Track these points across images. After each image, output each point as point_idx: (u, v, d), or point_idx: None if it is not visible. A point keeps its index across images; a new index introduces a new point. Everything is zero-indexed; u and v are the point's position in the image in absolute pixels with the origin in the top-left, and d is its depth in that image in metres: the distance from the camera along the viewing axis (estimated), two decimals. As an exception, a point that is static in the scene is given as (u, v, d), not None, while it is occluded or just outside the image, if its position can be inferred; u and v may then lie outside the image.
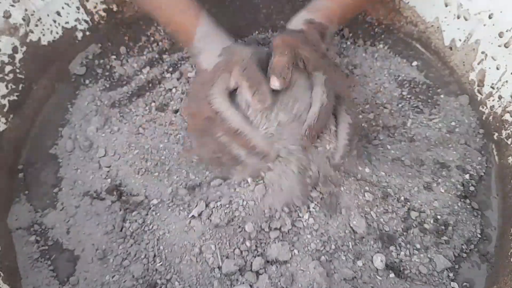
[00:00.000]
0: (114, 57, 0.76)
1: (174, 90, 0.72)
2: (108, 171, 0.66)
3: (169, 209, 0.60)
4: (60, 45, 0.74)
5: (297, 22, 0.63)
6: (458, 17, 0.70)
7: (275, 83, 0.56)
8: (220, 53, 0.59)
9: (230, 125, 0.56)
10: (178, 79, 0.73)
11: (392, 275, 0.57)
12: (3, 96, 0.66)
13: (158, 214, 0.60)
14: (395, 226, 0.60)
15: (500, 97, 0.67)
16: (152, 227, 0.60)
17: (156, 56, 0.76)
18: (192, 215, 0.58)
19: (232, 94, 0.59)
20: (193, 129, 0.62)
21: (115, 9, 0.77)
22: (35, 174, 0.67)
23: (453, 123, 0.71)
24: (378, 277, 0.56)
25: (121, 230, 0.60)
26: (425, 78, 0.76)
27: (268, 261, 0.57)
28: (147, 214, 0.61)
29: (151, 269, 0.57)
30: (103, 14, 0.76)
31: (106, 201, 0.63)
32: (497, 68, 0.67)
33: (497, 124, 0.68)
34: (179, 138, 0.67)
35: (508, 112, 0.66)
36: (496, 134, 0.69)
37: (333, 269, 0.56)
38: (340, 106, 0.61)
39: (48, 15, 0.70)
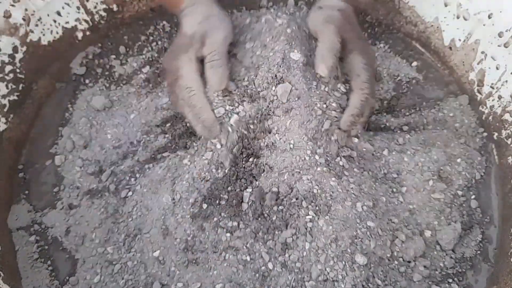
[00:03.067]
0: (113, 56, 0.76)
1: (174, 89, 0.72)
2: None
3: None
4: (60, 45, 0.74)
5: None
6: (458, 17, 0.70)
7: (324, 71, 0.59)
8: (200, 21, 0.61)
9: (189, 95, 0.60)
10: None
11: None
12: (3, 96, 0.67)
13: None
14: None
15: (499, 97, 0.67)
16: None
17: (156, 55, 0.76)
18: None
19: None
20: (168, 83, 0.65)
21: (115, 9, 0.77)
22: (35, 174, 0.67)
23: (453, 123, 0.71)
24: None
25: (120, 231, 0.60)
26: (425, 78, 0.76)
27: None
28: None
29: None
30: (103, 14, 0.76)
31: (105, 201, 0.63)
32: (497, 68, 0.67)
33: (497, 124, 0.68)
34: (176, 136, 0.67)
35: (507, 112, 0.66)
36: (496, 134, 0.69)
37: None
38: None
39: (48, 15, 0.70)
